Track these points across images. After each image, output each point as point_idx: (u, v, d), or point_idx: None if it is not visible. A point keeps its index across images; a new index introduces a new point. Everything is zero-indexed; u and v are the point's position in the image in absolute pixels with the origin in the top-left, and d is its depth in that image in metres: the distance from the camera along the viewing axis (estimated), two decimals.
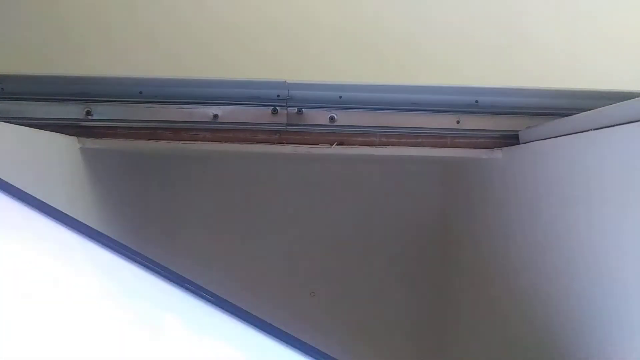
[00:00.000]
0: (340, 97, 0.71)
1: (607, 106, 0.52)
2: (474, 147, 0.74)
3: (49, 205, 0.45)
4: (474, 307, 0.88)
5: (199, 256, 1.03)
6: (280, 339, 0.47)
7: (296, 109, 0.71)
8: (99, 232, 0.46)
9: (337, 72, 0.98)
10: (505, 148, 0.73)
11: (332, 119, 0.71)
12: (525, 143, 0.70)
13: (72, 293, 0.38)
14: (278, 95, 0.70)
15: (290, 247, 1.10)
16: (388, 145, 0.74)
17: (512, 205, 0.71)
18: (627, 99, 0.49)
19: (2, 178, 0.45)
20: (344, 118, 0.72)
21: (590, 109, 0.56)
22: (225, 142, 0.73)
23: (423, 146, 0.74)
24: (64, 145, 0.70)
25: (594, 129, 0.51)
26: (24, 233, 0.42)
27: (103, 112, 0.70)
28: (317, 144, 0.73)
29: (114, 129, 0.72)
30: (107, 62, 0.97)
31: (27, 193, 0.45)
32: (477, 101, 0.71)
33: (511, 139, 0.72)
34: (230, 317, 0.47)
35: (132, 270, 0.45)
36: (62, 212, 0.45)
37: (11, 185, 0.45)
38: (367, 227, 1.11)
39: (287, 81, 0.70)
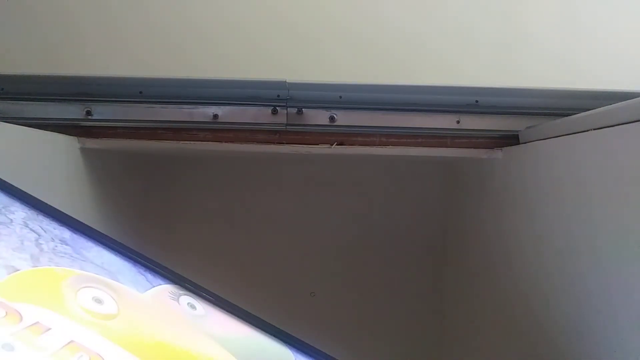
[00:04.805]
0: (341, 97, 0.71)
1: (607, 106, 0.52)
2: (474, 147, 0.74)
3: (49, 205, 0.45)
4: (474, 306, 0.88)
5: (199, 256, 1.03)
6: (281, 339, 0.47)
7: (296, 109, 0.71)
8: (99, 231, 0.46)
9: (337, 72, 0.98)
10: (505, 148, 0.73)
11: (332, 118, 0.72)
12: (525, 143, 0.70)
13: None
14: (278, 95, 0.70)
15: (290, 247, 1.10)
16: (388, 145, 0.74)
17: (512, 205, 0.71)
18: (627, 99, 0.49)
19: (2, 178, 0.45)
20: (344, 118, 0.72)
21: (590, 109, 0.56)
22: (225, 142, 0.73)
23: (423, 146, 0.74)
24: (64, 145, 0.70)
25: (594, 129, 0.51)
26: None
27: (103, 112, 0.70)
28: (317, 144, 0.73)
29: (114, 129, 0.72)
30: (108, 61, 0.97)
31: (27, 193, 0.45)
32: (477, 101, 0.71)
33: (511, 139, 0.72)
34: (230, 317, 0.47)
35: (132, 270, 0.45)
36: (63, 212, 0.45)
37: (11, 185, 0.45)
38: (367, 227, 1.11)
39: (287, 81, 0.70)
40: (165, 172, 1.08)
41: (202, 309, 0.45)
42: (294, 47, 0.99)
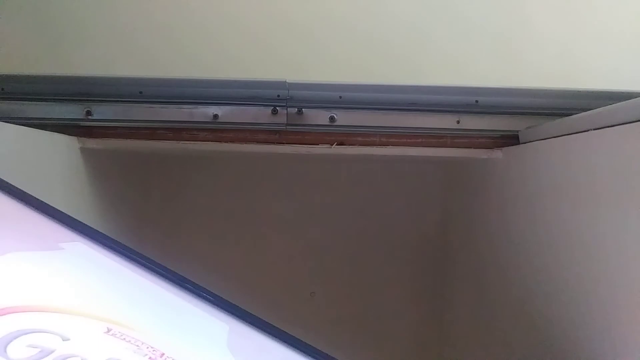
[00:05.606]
0: (341, 97, 0.71)
1: (607, 106, 0.52)
2: (474, 147, 0.74)
3: (49, 205, 0.45)
4: (474, 307, 0.88)
5: (199, 256, 1.03)
6: (281, 339, 0.47)
7: (296, 109, 0.71)
8: (98, 231, 0.46)
9: (337, 71, 0.98)
10: (505, 148, 0.73)
11: (332, 119, 0.71)
12: (525, 143, 0.70)
13: (72, 293, 0.38)
14: (278, 95, 0.70)
15: (290, 247, 1.10)
16: (388, 145, 0.74)
17: (512, 205, 0.71)
18: (627, 99, 0.49)
19: (2, 178, 0.45)
20: (344, 118, 0.72)
21: (590, 109, 0.56)
22: (225, 142, 0.73)
23: (423, 146, 0.74)
24: (64, 145, 0.70)
25: (594, 129, 0.51)
26: (24, 232, 0.42)
27: (103, 112, 0.70)
28: (317, 144, 0.73)
29: (114, 129, 0.72)
30: (108, 61, 0.97)
31: (27, 193, 0.45)
32: (477, 101, 0.71)
33: (511, 139, 0.72)
34: (230, 317, 0.47)
35: (131, 270, 0.45)
36: (62, 212, 0.45)
37: (11, 185, 0.45)
38: (367, 227, 1.11)
39: (287, 81, 0.70)
40: (165, 172, 1.08)
41: None
42: (294, 46, 0.99)
